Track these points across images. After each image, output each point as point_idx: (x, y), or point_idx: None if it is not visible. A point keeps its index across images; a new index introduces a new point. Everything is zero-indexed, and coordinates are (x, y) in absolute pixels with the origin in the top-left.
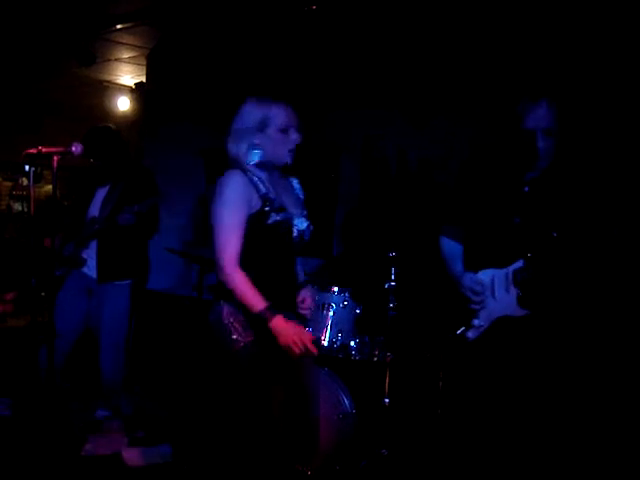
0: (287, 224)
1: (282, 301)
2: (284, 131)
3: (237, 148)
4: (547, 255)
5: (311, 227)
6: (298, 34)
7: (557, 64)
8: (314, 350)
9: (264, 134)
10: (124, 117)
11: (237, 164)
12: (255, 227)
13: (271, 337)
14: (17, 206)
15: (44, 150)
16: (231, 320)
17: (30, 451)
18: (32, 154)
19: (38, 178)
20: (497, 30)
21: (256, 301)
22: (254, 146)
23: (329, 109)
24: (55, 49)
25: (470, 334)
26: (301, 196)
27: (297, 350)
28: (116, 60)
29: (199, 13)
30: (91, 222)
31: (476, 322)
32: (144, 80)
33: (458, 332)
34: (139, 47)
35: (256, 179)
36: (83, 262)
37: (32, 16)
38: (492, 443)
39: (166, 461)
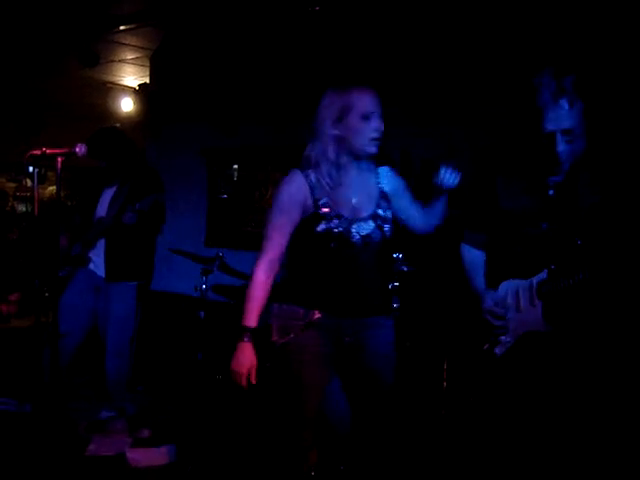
0: (339, 233)
1: (333, 306)
2: (365, 118)
3: (311, 146)
4: (571, 265)
5: (386, 226)
6: (301, 35)
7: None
8: (244, 385)
9: (343, 123)
10: (127, 118)
11: (303, 163)
12: (304, 232)
13: (302, 344)
14: (21, 207)
15: (48, 151)
16: (274, 321)
17: (34, 451)
18: (36, 155)
19: (42, 179)
20: (501, 28)
21: (250, 314)
22: (333, 138)
23: None
24: (58, 50)
25: (497, 350)
26: (377, 192)
27: (236, 379)
28: (120, 61)
29: (202, 14)
30: (98, 222)
31: (503, 338)
32: (148, 81)
33: (485, 347)
34: (143, 48)
35: (314, 181)
36: (89, 261)
37: (35, 17)
38: (518, 461)
39: (171, 462)
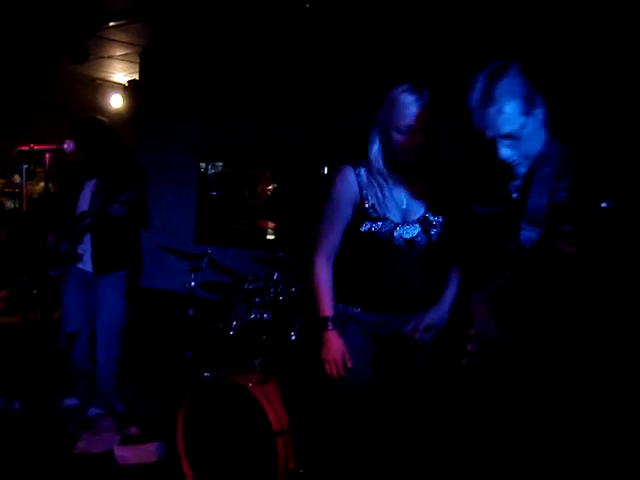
0: (383, 234)
1: (372, 304)
2: (402, 132)
3: (369, 144)
4: (523, 272)
5: (433, 230)
6: (292, 32)
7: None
8: (342, 374)
9: (385, 134)
10: (117, 115)
11: (354, 160)
12: (351, 230)
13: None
14: (9, 204)
15: (36, 147)
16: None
17: (23, 448)
18: (24, 151)
19: (31, 175)
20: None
21: (323, 305)
22: (378, 146)
23: (328, 109)
24: (47, 46)
25: (464, 360)
26: (430, 196)
27: (328, 369)
28: (109, 57)
29: (192, 10)
30: (81, 216)
31: (469, 347)
32: (137, 78)
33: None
34: (132, 44)
35: (365, 179)
36: (79, 258)
37: (24, 13)
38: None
39: (159, 459)
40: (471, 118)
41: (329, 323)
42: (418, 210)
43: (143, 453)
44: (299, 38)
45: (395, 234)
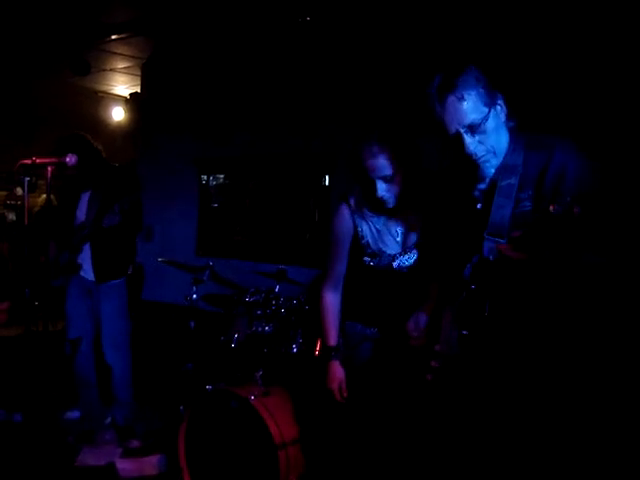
0: (384, 267)
1: (386, 325)
2: (369, 174)
3: (348, 194)
4: (483, 285)
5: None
6: (292, 45)
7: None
8: (340, 399)
9: (363, 182)
10: (119, 127)
11: (347, 198)
12: (354, 257)
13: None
14: (11, 216)
15: (38, 161)
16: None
17: (24, 461)
18: (26, 165)
19: (32, 188)
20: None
21: (329, 336)
22: (360, 193)
23: (324, 120)
24: (50, 59)
25: (428, 375)
26: (417, 227)
27: (333, 395)
28: (111, 70)
29: (193, 24)
30: (80, 227)
31: (432, 363)
32: (139, 90)
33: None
34: (134, 57)
35: (355, 208)
36: (79, 267)
37: (27, 26)
38: None
39: (161, 472)
40: (433, 112)
41: (332, 353)
42: (413, 237)
43: (145, 466)
44: (299, 50)
45: (394, 264)
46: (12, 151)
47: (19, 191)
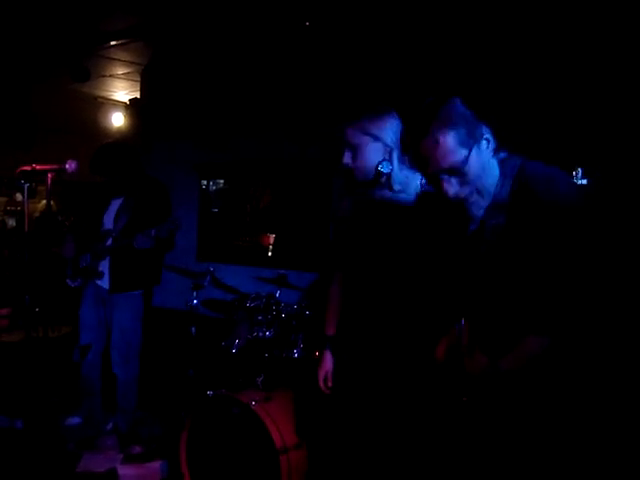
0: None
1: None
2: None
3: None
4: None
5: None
6: (292, 50)
7: None
8: (324, 389)
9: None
10: (118, 133)
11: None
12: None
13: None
14: (11, 222)
15: (38, 167)
16: None
17: (25, 467)
18: (26, 171)
19: (33, 194)
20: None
21: (329, 324)
22: None
23: (323, 124)
24: (50, 65)
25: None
26: None
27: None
28: (110, 76)
29: (193, 29)
30: (105, 234)
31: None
32: (138, 96)
33: None
34: (133, 63)
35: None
36: (100, 275)
37: (27, 33)
38: None
39: (162, 478)
40: (410, 155)
41: (328, 343)
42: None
43: (146, 472)
44: (299, 55)
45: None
46: (12, 157)
47: (19, 197)
